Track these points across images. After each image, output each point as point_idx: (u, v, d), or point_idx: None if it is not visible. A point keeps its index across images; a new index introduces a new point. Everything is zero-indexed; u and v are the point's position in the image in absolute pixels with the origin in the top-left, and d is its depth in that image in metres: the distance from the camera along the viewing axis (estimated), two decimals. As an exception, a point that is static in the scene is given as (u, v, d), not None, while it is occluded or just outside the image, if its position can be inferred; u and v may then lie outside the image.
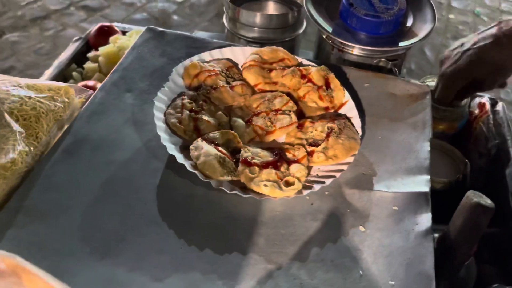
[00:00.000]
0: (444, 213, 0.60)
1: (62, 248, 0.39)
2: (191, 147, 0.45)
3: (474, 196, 0.39)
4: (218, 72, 0.53)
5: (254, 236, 0.41)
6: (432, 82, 0.73)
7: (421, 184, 0.46)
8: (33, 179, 0.43)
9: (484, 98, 0.73)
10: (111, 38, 0.75)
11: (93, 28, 0.81)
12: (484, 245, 0.62)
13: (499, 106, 0.74)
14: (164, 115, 0.48)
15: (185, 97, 0.50)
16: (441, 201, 0.63)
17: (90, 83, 0.68)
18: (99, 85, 0.67)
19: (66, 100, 0.49)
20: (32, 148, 0.44)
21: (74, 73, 0.73)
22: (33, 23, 2.37)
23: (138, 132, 0.48)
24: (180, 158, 0.43)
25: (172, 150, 0.44)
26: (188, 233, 0.41)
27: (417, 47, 0.60)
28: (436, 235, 0.52)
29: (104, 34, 0.79)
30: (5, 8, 2.45)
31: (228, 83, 0.53)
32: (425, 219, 0.43)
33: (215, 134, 0.47)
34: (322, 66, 0.53)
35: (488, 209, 0.38)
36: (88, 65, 0.74)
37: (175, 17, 2.45)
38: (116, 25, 0.84)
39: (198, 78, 0.52)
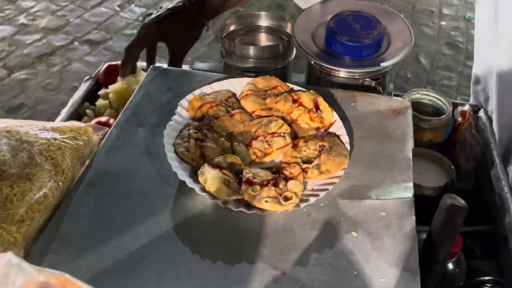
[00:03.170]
0: (432, 215, 0.65)
1: (93, 269, 0.44)
2: (198, 172, 0.51)
3: (449, 198, 0.45)
4: (219, 103, 0.59)
5: (259, 247, 0.47)
6: (417, 95, 0.79)
7: (405, 190, 0.51)
8: (63, 211, 0.49)
9: (466, 106, 0.79)
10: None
11: (102, 67, 0.88)
12: (474, 242, 0.67)
13: (481, 113, 0.80)
14: (173, 146, 0.54)
15: (191, 127, 0.56)
16: (432, 205, 0.68)
17: (103, 119, 0.74)
18: (111, 121, 0.74)
19: (86, 138, 0.55)
20: (60, 183, 0.50)
21: (87, 111, 0.80)
22: (40, 60, 2.48)
23: (151, 162, 0.54)
24: (190, 183, 0.49)
25: (183, 176, 0.50)
26: (201, 248, 0.46)
27: (398, 65, 0.66)
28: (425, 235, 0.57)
29: (112, 73, 0.86)
30: (12, 47, 2.56)
31: (228, 112, 0.59)
32: (409, 222, 0.48)
33: (220, 159, 0.52)
34: (311, 90, 0.59)
35: (461, 209, 0.44)
36: (100, 102, 0.81)
37: (175, 44, 2.54)
38: (123, 63, 0.90)
39: (201, 109, 0.58)
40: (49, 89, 2.30)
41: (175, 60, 0.78)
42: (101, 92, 0.84)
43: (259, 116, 0.59)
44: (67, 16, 2.71)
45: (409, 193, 0.51)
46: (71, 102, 0.82)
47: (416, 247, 0.46)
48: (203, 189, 0.49)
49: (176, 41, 0.78)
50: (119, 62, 0.90)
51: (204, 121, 0.57)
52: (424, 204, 0.60)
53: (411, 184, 0.52)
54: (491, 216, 0.68)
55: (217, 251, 0.46)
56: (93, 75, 0.88)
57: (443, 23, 2.72)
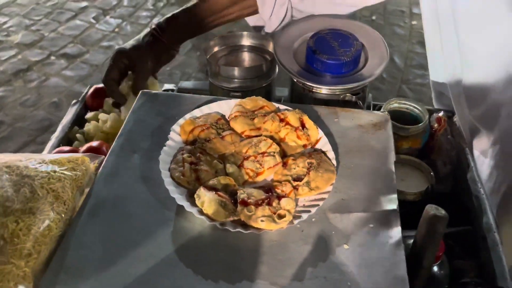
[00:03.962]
0: (417, 220, 0.69)
1: (101, 296, 0.46)
2: (195, 195, 0.53)
3: (431, 209, 0.48)
4: (209, 126, 0.62)
5: (258, 265, 0.49)
6: (395, 104, 0.84)
7: (390, 202, 0.55)
8: (67, 242, 0.51)
9: (441, 112, 0.83)
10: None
11: (88, 90, 0.89)
12: (455, 243, 0.71)
13: (455, 118, 0.85)
14: (169, 170, 0.56)
15: (184, 152, 0.58)
16: (415, 210, 0.72)
17: (95, 143, 0.76)
18: (103, 145, 0.76)
19: (84, 168, 0.57)
20: (62, 214, 0.52)
21: (78, 135, 0.81)
22: (16, 76, 2.45)
23: (148, 188, 0.57)
24: (188, 207, 0.52)
25: (180, 200, 0.52)
26: (203, 269, 0.49)
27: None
28: (411, 241, 0.61)
29: (99, 95, 0.88)
30: (-13, 65, 2.51)
31: (219, 134, 0.62)
32: (396, 232, 0.52)
33: (214, 181, 0.55)
34: (297, 109, 0.63)
35: (442, 218, 0.47)
36: (88, 126, 0.82)
37: (153, 55, 2.55)
38: (108, 84, 0.92)
39: (193, 133, 0.61)
40: (27, 106, 2.27)
41: (137, 85, 0.81)
42: (88, 116, 0.85)
43: (249, 137, 0.62)
44: (42, 31, 2.68)
45: (394, 205, 0.55)
46: (60, 127, 0.83)
47: (403, 255, 0.50)
48: (201, 212, 0.52)
49: (142, 68, 0.82)
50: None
51: (196, 144, 0.60)
52: (407, 209, 0.64)
53: (395, 195, 0.55)
54: (469, 217, 0.73)
55: (218, 271, 0.49)
56: (80, 99, 0.89)
57: (414, 22, 2.80)
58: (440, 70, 0.84)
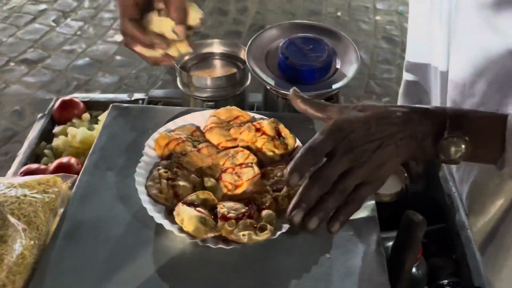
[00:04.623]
0: (394, 220, 0.71)
1: (83, 325, 0.45)
2: (174, 212, 0.52)
3: (410, 215, 0.49)
4: (185, 139, 0.61)
5: (242, 280, 0.49)
6: (366, 106, 0.84)
7: (368, 210, 0.56)
8: (43, 269, 0.49)
9: (411, 113, 0.85)
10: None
11: (55, 103, 0.86)
12: (431, 241, 0.73)
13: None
14: (146, 188, 0.55)
15: (160, 167, 0.57)
16: (391, 210, 0.74)
17: (65, 159, 0.73)
18: (73, 160, 0.74)
19: (56, 189, 0.55)
20: (36, 240, 0.50)
21: (46, 151, 0.79)
22: (-26, 85, 2.35)
23: (126, 206, 0.55)
24: (167, 225, 0.51)
25: (159, 219, 0.51)
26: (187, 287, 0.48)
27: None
28: (390, 243, 0.62)
29: (66, 108, 0.85)
30: None
31: (194, 146, 0.61)
32: (375, 239, 0.53)
33: (193, 196, 0.54)
34: (272, 118, 0.62)
35: (421, 224, 0.49)
36: (57, 142, 0.79)
37: (118, 57, 2.50)
38: (75, 96, 0.89)
39: (168, 147, 0.60)
40: (-12, 115, 2.19)
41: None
42: (56, 130, 0.82)
43: (225, 148, 0.61)
44: (-1, 36, 2.58)
45: (374, 212, 0.55)
46: (27, 143, 0.80)
47: (383, 262, 0.51)
48: (181, 229, 0.51)
49: None
50: (73, 96, 0.89)
51: (172, 159, 0.59)
52: (383, 210, 0.65)
53: (374, 202, 0.56)
54: (443, 214, 0.75)
55: (203, 287, 0.48)
56: (46, 112, 0.86)
57: (378, 17, 2.85)
58: (420, 56, 0.84)
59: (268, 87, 0.72)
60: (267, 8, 2.88)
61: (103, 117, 0.66)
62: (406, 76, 0.90)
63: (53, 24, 2.71)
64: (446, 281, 0.58)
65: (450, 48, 0.70)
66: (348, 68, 0.72)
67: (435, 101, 0.82)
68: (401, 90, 0.94)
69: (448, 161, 0.49)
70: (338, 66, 0.73)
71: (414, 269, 0.62)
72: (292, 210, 0.47)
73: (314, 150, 0.48)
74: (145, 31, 0.59)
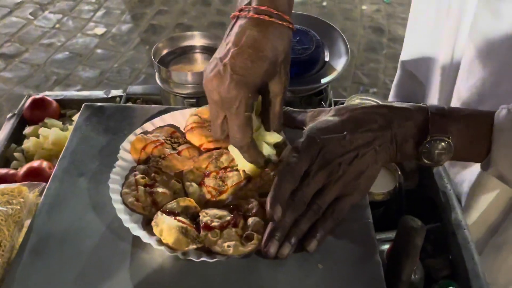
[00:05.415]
0: (388, 219, 0.67)
1: None
2: (152, 223, 0.48)
3: (408, 221, 0.46)
4: (163, 141, 0.56)
5: (228, 295, 0.45)
6: (357, 101, 0.81)
7: (363, 213, 0.52)
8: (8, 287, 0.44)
9: (403, 107, 0.81)
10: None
11: (26, 102, 0.81)
12: (426, 241, 0.70)
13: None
14: (121, 195, 0.51)
15: (137, 172, 0.53)
16: (384, 210, 0.71)
17: (36, 163, 0.68)
18: (45, 164, 0.69)
19: (21, 200, 0.50)
20: (-1, 258, 0.45)
21: (16, 154, 0.73)
22: (-51, 81, 2.25)
23: (99, 216, 0.51)
24: (144, 237, 0.47)
25: (135, 230, 0.47)
26: (168, 307, 0.44)
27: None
28: (387, 246, 0.59)
29: (38, 106, 0.80)
30: None
31: (174, 149, 0.56)
32: (371, 247, 0.49)
33: (173, 204, 0.50)
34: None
35: (420, 230, 0.45)
36: (28, 143, 0.74)
37: (99, 50, 2.42)
38: (47, 94, 0.84)
39: (145, 150, 0.55)
40: (-37, 115, 2.10)
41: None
42: (27, 131, 0.77)
43: (208, 150, 0.57)
44: (-26, 30, 2.48)
45: (368, 217, 0.51)
46: (-5, 146, 0.74)
47: (380, 272, 0.47)
48: (160, 241, 0.47)
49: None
50: (44, 94, 0.83)
51: (150, 163, 0.54)
52: (376, 210, 0.61)
53: (368, 207, 0.52)
54: (438, 212, 0.72)
55: (184, 307, 0.44)
56: (16, 112, 0.81)
57: (364, 7, 2.81)
58: (420, 47, 0.81)
59: (253, 82, 0.67)
60: (251, -2, 2.81)
61: (75, 121, 0.61)
62: (401, 67, 0.87)
63: (30, 17, 2.62)
64: (442, 281, 0.55)
65: (457, 37, 0.67)
66: (337, 61, 0.68)
67: (431, 93, 0.79)
68: (395, 81, 0.91)
69: (431, 164, 0.47)
70: (327, 59, 0.69)
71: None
72: (267, 241, 0.45)
73: (291, 174, 0.45)
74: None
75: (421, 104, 0.49)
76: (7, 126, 0.78)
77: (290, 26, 0.49)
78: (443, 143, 0.46)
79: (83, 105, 0.63)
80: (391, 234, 0.65)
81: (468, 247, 0.64)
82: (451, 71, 0.70)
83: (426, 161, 0.47)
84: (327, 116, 0.49)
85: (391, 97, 0.90)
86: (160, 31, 2.55)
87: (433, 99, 0.79)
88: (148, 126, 0.58)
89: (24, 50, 2.41)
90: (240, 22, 0.47)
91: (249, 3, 0.48)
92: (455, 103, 0.71)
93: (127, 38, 2.51)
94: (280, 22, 0.47)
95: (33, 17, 2.62)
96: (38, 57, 2.37)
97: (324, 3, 2.80)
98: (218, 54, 0.48)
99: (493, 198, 0.67)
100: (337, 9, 2.76)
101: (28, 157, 0.74)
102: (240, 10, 0.48)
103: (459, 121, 0.47)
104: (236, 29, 0.47)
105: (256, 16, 0.47)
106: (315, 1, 2.81)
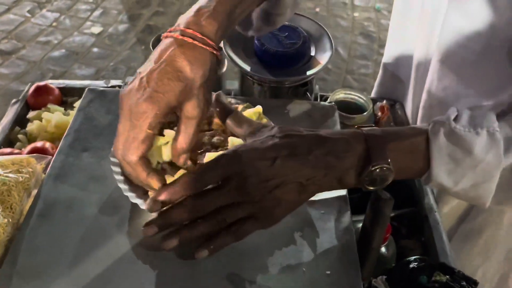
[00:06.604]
0: (364, 204, 0.73)
1: (57, 300, 0.45)
2: (149, 192, 0.53)
3: (378, 193, 0.51)
4: (161, 122, 0.61)
5: (216, 257, 0.49)
6: (341, 95, 0.87)
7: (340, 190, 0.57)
8: (17, 246, 0.49)
9: (383, 101, 0.88)
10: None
11: (30, 89, 0.85)
12: (401, 224, 0.76)
13: (397, 106, 0.89)
14: (121, 168, 0.56)
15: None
16: (362, 195, 0.76)
17: (39, 144, 0.73)
18: (48, 145, 0.73)
19: (30, 170, 0.55)
20: (9, 219, 0.50)
21: (19, 136, 0.78)
22: None
23: (100, 187, 0.56)
24: (142, 204, 0.52)
25: (133, 198, 0.52)
26: (162, 264, 0.49)
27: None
28: (360, 224, 0.64)
29: (41, 93, 0.85)
30: None
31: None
32: (346, 218, 0.54)
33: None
34: (247, 103, 0.64)
35: (388, 201, 0.50)
36: (31, 126, 0.79)
37: (95, 49, 2.47)
38: (51, 82, 0.89)
39: (144, 130, 0.60)
40: (-39, 108, 2.13)
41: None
42: (30, 115, 0.82)
43: (202, 131, 0.62)
44: (-28, 26, 2.51)
45: (344, 191, 0.57)
46: (0, 128, 0.79)
47: (353, 239, 0.52)
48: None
49: None
50: (47, 82, 0.88)
51: (148, 141, 0.59)
52: (355, 195, 0.67)
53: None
54: (413, 198, 0.77)
55: (177, 264, 0.49)
56: (20, 97, 0.85)
57: (355, 14, 2.89)
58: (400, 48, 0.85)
59: (244, 73, 0.73)
60: None
61: (79, 104, 0.66)
62: (383, 69, 0.92)
63: (28, 15, 2.65)
64: (413, 257, 0.60)
65: (431, 38, 0.72)
66: (322, 55, 0.74)
67: (410, 91, 0.84)
68: (377, 81, 0.96)
69: (375, 189, 0.48)
70: (312, 53, 0.74)
71: (383, 249, 0.64)
72: (148, 224, 0.45)
73: (199, 182, 0.45)
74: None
75: (356, 129, 0.49)
76: (11, 111, 0.83)
77: (215, 52, 0.48)
78: (384, 168, 0.46)
79: (86, 89, 0.68)
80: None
81: (438, 228, 0.70)
82: (425, 71, 0.75)
83: (367, 187, 0.47)
84: (266, 135, 0.48)
85: (373, 94, 0.96)
86: (156, 32, 2.60)
87: (410, 96, 0.85)
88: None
89: (21, 47, 2.44)
90: (166, 41, 0.48)
91: (179, 25, 0.49)
92: (429, 102, 0.76)
93: (123, 37, 2.56)
94: (203, 46, 0.47)
95: (31, 15, 2.65)
96: (35, 54, 2.41)
97: (317, 10, 2.88)
98: (140, 69, 0.49)
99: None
100: (329, 16, 2.84)
101: (31, 140, 0.78)
102: (170, 31, 0.50)
103: (397, 145, 0.47)
104: (160, 46, 0.48)
105: (181, 37, 0.47)
106: (308, 7, 2.88)
